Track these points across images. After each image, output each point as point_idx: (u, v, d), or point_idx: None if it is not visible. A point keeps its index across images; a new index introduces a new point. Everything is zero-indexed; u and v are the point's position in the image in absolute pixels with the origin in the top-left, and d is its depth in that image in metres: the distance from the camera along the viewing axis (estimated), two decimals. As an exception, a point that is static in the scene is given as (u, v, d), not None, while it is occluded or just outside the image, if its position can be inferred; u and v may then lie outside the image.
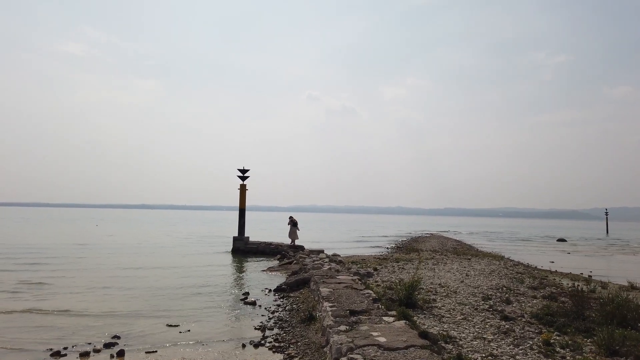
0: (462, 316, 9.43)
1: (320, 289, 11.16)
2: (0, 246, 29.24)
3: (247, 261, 23.97)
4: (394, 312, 8.56)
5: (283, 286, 14.45)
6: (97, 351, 8.15)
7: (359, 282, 12.53)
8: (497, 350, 7.24)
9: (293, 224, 28.22)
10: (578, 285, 12.52)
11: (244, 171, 28.43)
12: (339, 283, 11.98)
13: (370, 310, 8.81)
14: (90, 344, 8.57)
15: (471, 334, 8.09)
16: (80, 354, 7.95)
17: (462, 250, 29.84)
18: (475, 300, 11.16)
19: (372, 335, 6.99)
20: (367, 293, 10.56)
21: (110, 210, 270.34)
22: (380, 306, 9.19)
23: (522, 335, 8.15)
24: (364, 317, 8.22)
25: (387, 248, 35.76)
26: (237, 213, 29.04)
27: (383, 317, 8.18)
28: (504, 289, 13.30)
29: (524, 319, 9.39)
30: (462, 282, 14.35)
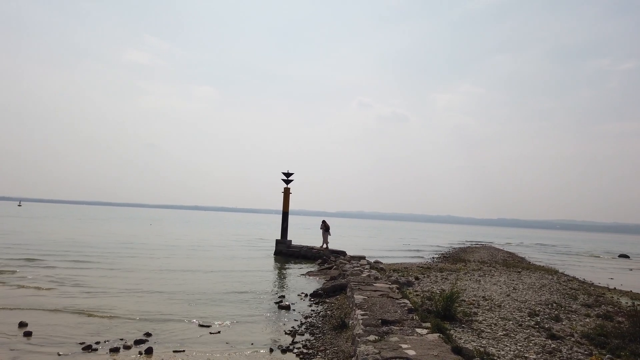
0: (504, 332, 8.82)
1: (354, 295, 10.83)
2: (54, 243, 30.73)
3: (288, 265, 23.93)
4: (428, 324, 8.11)
5: (319, 291, 14.20)
6: (127, 347, 8.21)
7: (397, 290, 12.08)
8: (539, 371, 6.66)
9: (325, 228, 28.16)
10: (638, 305, 11.49)
11: (288, 175, 28.50)
12: (375, 291, 11.60)
13: (404, 320, 8.39)
14: (122, 339, 8.66)
15: (511, 352, 7.51)
16: (110, 349, 8.03)
17: (512, 263, 28.48)
18: (521, 316, 10.45)
19: (401, 347, 6.61)
20: (403, 303, 10.13)
21: (166, 211, 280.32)
22: (415, 317, 8.75)
23: (569, 356, 7.49)
24: (395, 328, 7.83)
25: (433, 257, 34.77)
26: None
27: (416, 329, 7.76)
28: (554, 305, 12.42)
29: (573, 339, 8.65)
30: (508, 295, 13.56)
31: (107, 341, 8.54)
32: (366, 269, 18.55)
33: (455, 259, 30.32)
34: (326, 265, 21.63)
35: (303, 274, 19.90)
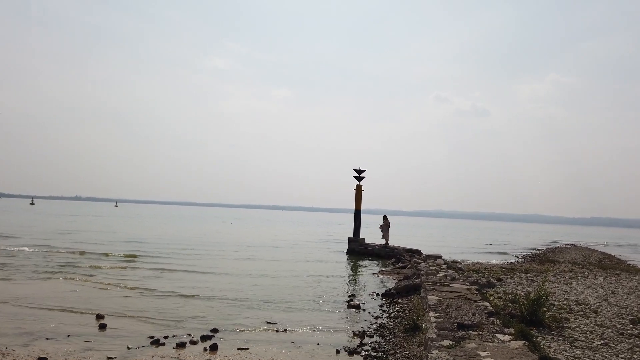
0: (602, 341, 7.71)
1: (428, 296, 10.11)
2: (141, 239, 32.54)
3: (360, 263, 23.42)
4: (511, 330, 7.24)
5: (391, 291, 13.56)
6: (193, 343, 8.17)
7: (475, 292, 11.15)
8: (648, 390, 5.64)
9: (386, 225, 27.78)
10: None
11: (360, 172, 27.98)
12: (451, 292, 10.77)
13: (483, 325, 7.59)
14: (189, 335, 8.67)
15: (613, 366, 6.48)
16: (177, 344, 8.03)
17: (609, 265, 25.86)
18: (622, 323, 9.17)
19: (479, 354, 5.88)
20: (483, 305, 9.25)
21: (247, 210, 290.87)
22: (496, 321, 7.90)
23: (686, 373, 6.32)
24: (473, 333, 7.07)
25: (518, 258, 32.58)
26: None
27: (497, 335, 6.95)
28: (663, 312, 10.84)
29: (689, 353, 7.36)
30: (605, 300, 12.08)
31: (175, 336, 8.58)
32: (442, 268, 17.59)
33: (543, 259, 28.13)
34: (400, 265, 20.87)
35: (375, 273, 19.31)
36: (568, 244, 54.47)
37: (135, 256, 21.58)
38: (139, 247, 26.40)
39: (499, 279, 15.79)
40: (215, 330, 8.99)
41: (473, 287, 12.05)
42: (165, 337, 8.43)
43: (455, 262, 23.79)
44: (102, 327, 9.05)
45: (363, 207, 28.52)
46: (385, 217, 28.52)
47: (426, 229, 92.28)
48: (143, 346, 7.94)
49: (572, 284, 15.31)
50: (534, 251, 40.75)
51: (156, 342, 8.10)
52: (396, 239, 40.48)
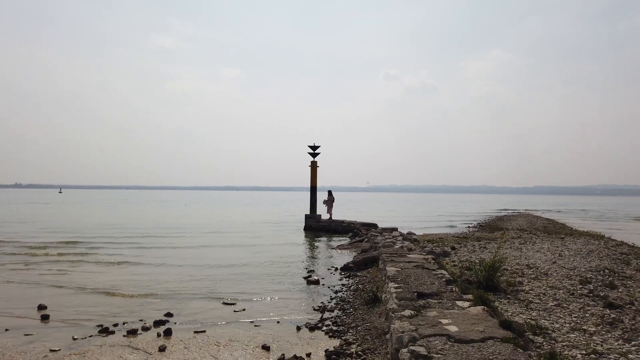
0: (555, 302, 7.93)
1: (387, 267, 10.08)
2: (93, 226, 31.13)
3: (318, 239, 23.38)
4: (470, 296, 7.29)
5: (350, 265, 13.54)
6: (146, 329, 7.75)
7: (432, 261, 11.26)
8: (601, 346, 5.80)
9: (331, 200, 28.52)
10: None
11: (314, 148, 27.73)
12: (409, 262, 10.81)
13: (442, 293, 7.60)
14: (142, 320, 8.23)
15: (567, 325, 6.65)
16: (127, 331, 7.58)
17: (553, 229, 27.11)
18: (572, 284, 9.50)
19: (440, 322, 5.83)
20: (440, 274, 9.31)
21: (200, 192, 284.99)
22: (454, 288, 7.94)
23: (633, 327, 6.57)
24: (433, 301, 7.05)
25: (469, 227, 33.64)
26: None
27: (457, 302, 6.96)
28: (606, 271, 11.36)
29: (633, 307, 7.69)
30: (554, 263, 12.54)
31: (126, 323, 8.11)
32: (399, 240, 17.78)
33: (492, 227, 29.15)
34: (357, 239, 20.96)
35: (333, 248, 19.31)
36: (514, 212, 56.95)
37: (76, 243, 20.48)
38: (80, 236, 25.15)
39: (453, 248, 16.12)
40: (169, 315, 8.59)
41: (429, 256, 12.17)
42: (115, 325, 7.95)
43: (410, 233, 24.17)
44: (45, 318, 8.44)
45: (319, 185, 28.41)
46: (330, 192, 28.61)
47: (380, 204, 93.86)
48: (90, 336, 7.44)
49: (522, 249, 15.86)
50: (484, 219, 42.25)
51: (105, 331, 7.62)
52: (353, 214, 40.87)
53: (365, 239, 19.90)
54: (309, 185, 28.39)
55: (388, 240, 16.89)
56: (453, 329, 5.53)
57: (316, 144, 27.72)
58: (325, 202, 28.08)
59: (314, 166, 27.84)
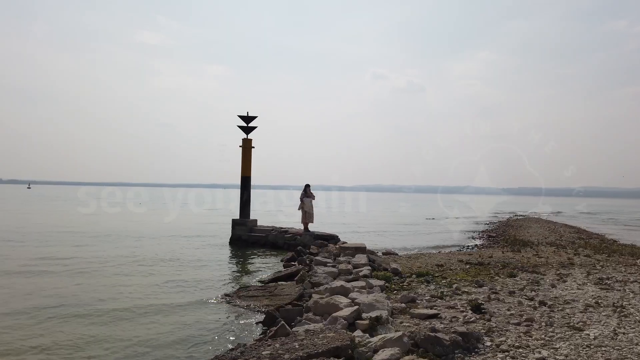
0: None
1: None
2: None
3: (237, 263, 14.09)
4: None
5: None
6: None
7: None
8: None
9: (306, 196, 17.30)
10: None
11: (248, 119, 18.33)
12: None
13: None
14: None
15: None
16: None
17: (599, 245, 18.27)
18: None
19: None
20: None
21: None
22: None
23: None
24: None
25: (472, 237, 24.70)
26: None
27: None
28: None
29: None
30: None
31: None
32: (362, 272, 8.89)
33: (509, 240, 20.10)
34: (291, 268, 11.79)
35: (229, 296, 9.79)
36: (519, 216, 47.93)
37: None
38: None
39: (477, 307, 7.02)
40: None
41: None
42: None
43: (389, 253, 15.12)
44: None
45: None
46: (307, 187, 17.98)
47: (364, 204, 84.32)
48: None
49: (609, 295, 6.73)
50: (487, 226, 33.33)
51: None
52: (324, 218, 31.16)
53: (301, 270, 10.71)
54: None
55: (336, 282, 7.75)
56: None
57: (251, 115, 18.36)
58: (300, 206, 17.37)
59: (247, 146, 18.42)
